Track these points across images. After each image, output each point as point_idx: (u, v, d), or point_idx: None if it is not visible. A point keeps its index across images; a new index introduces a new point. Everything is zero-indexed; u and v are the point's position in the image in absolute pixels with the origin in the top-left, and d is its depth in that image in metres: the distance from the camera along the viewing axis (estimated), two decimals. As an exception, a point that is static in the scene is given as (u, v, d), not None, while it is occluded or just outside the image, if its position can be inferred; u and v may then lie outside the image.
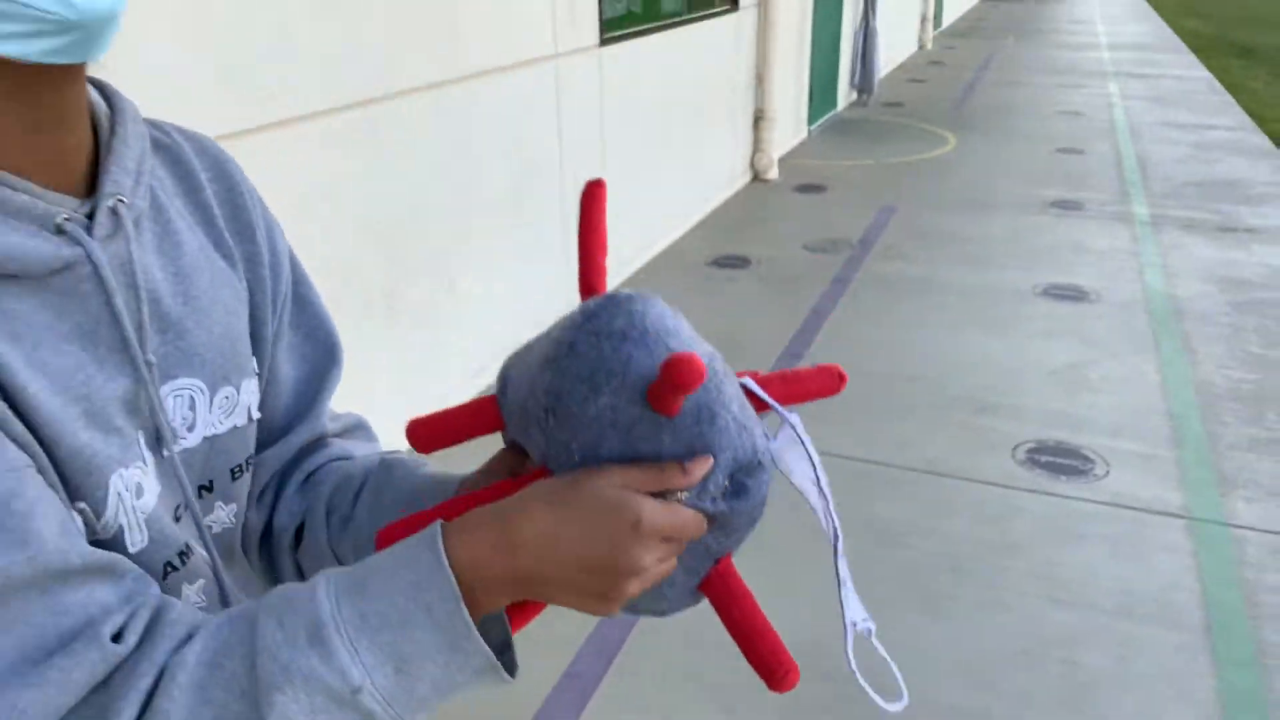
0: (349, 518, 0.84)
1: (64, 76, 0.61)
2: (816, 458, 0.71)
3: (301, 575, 0.90)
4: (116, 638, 0.58)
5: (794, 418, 0.71)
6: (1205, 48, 14.77)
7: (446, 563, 0.60)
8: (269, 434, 0.85)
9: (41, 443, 0.61)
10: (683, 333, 0.66)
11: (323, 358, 0.88)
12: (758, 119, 6.74)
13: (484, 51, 3.57)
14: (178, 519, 0.73)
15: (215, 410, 0.75)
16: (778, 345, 4.23)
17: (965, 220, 5.92)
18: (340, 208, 2.89)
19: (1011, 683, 2.39)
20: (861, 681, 0.67)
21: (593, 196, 0.74)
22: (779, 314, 4.57)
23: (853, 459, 3.36)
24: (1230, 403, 3.72)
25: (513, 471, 0.75)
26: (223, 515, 0.79)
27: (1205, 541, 2.91)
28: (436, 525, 0.62)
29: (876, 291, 4.83)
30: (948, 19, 17.03)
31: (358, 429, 0.94)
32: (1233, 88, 10.69)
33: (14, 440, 0.58)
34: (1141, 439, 3.46)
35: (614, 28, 4.55)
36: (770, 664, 0.67)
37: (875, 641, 0.70)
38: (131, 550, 0.67)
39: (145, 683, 0.57)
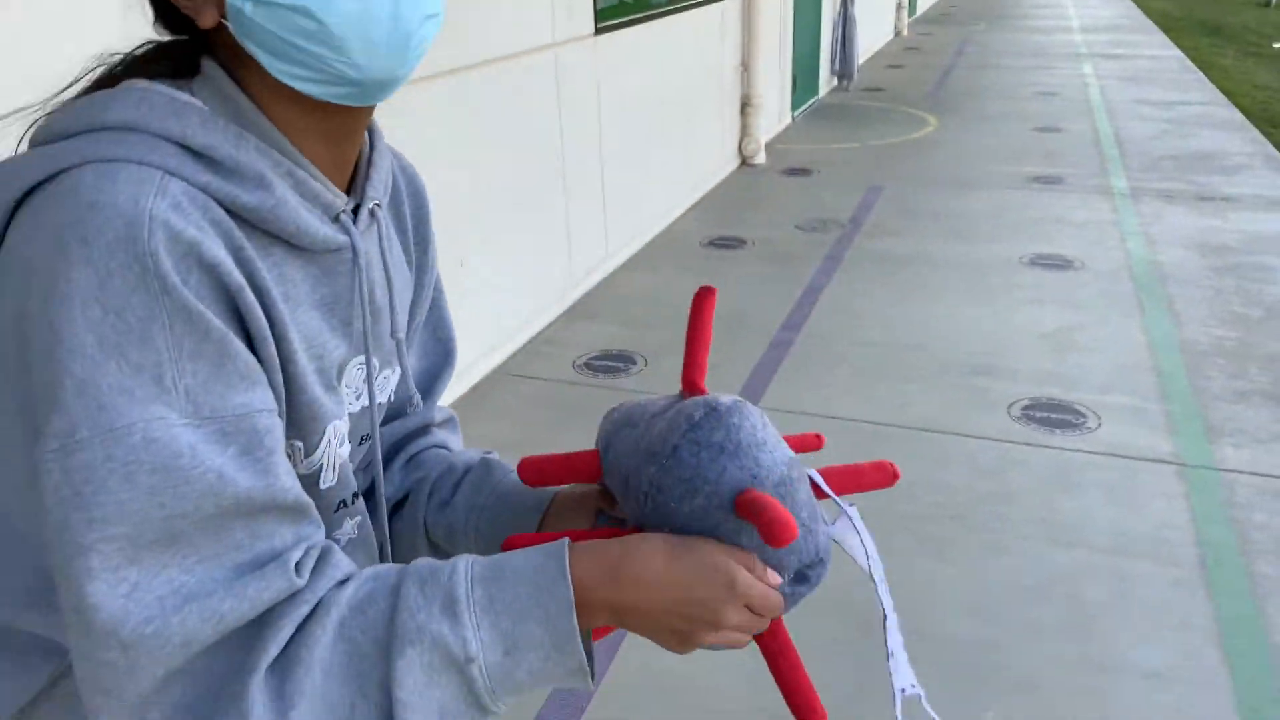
0: (447, 502, 0.98)
1: (354, 109, 0.76)
2: (872, 546, 0.84)
3: (393, 541, 1.02)
4: (296, 570, 0.68)
5: (853, 510, 0.84)
6: (1175, 28, 15.02)
7: (569, 577, 0.70)
8: (389, 414, 1.00)
9: (291, 390, 0.74)
10: (769, 443, 0.78)
11: (442, 355, 1.04)
12: (744, 105, 6.87)
13: (488, 41, 3.69)
14: (356, 469, 0.87)
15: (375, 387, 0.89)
16: (777, 319, 4.36)
17: (950, 197, 6.08)
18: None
19: (1018, 616, 2.53)
20: None
21: (702, 301, 0.85)
22: (777, 290, 4.70)
23: (856, 420, 3.50)
24: (1214, 358, 3.88)
25: (599, 509, 0.91)
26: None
27: (1196, 485, 3.06)
28: (565, 542, 0.73)
29: (869, 267, 4.98)
30: (921, 6, 17.23)
31: (450, 421, 1.09)
32: (1203, 65, 10.91)
33: (273, 387, 0.71)
34: (1131, 393, 3.62)
35: (607, 17, 4.67)
36: (806, 708, 0.80)
37: (926, 705, 0.82)
38: (322, 486, 0.81)
39: (304, 610, 0.68)
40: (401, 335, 0.84)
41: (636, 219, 5.29)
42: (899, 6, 14.08)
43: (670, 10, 5.47)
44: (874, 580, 0.83)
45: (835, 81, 9.84)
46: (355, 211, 0.81)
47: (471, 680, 0.69)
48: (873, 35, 12.03)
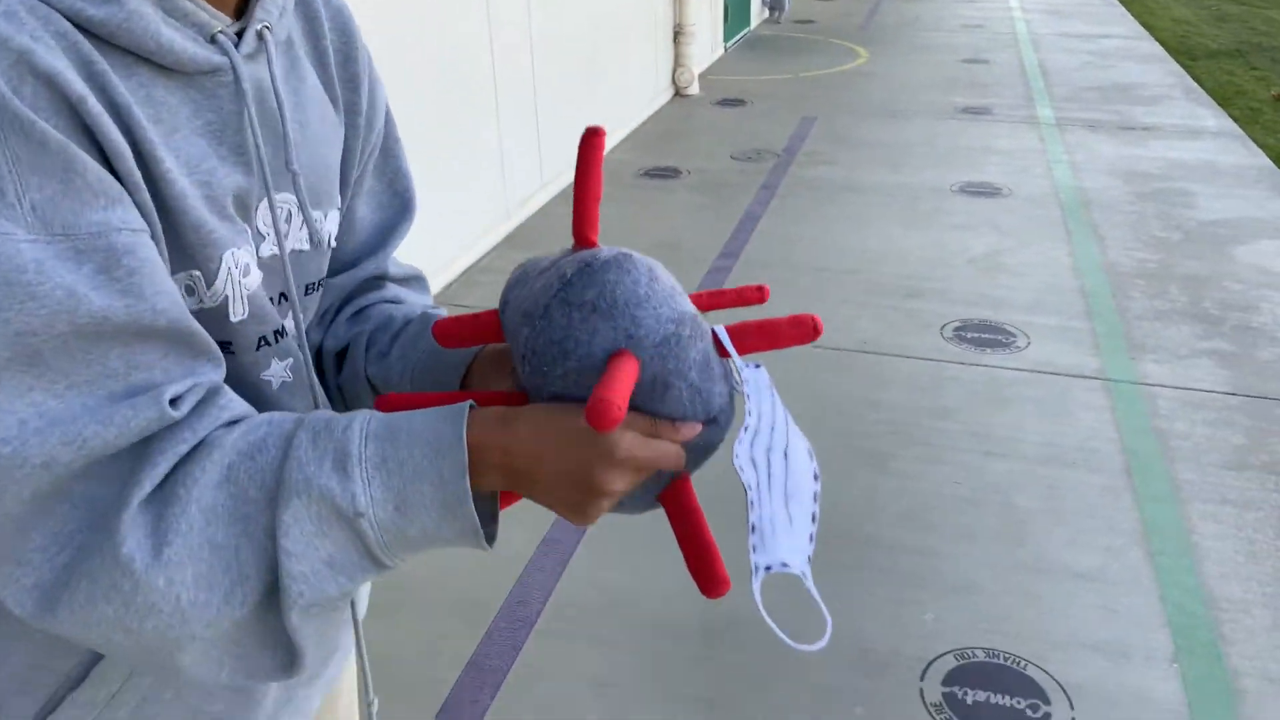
0: (385, 354, 0.95)
1: None
2: (776, 412, 0.78)
3: (343, 396, 1.00)
4: (174, 404, 0.66)
5: (759, 372, 0.78)
6: (1097, -36, 15.17)
7: (465, 441, 0.69)
8: (339, 265, 0.97)
9: (169, 214, 0.70)
10: (654, 299, 0.72)
11: (399, 209, 1.01)
12: (677, 34, 6.79)
13: (415, -42, 3.57)
14: (277, 305, 0.83)
15: (302, 230, 0.85)
16: (714, 248, 4.37)
17: (882, 127, 6.11)
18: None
19: (953, 524, 2.60)
20: (769, 621, 0.73)
21: (590, 145, 0.76)
22: (713, 219, 4.70)
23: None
24: (1136, 280, 3.99)
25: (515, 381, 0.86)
26: (291, 324, 0.89)
27: (1121, 398, 3.17)
28: (466, 405, 0.71)
29: (803, 195, 5.00)
30: (850, -59, 17.16)
31: (415, 280, 1.06)
32: (1125, 1, 11.07)
33: (140, 208, 0.67)
34: (1058, 314, 3.71)
35: (537, -62, 4.55)
36: (707, 573, 0.76)
37: (810, 586, 0.76)
38: (233, 320, 0.76)
39: (183, 448, 0.66)
40: (296, 168, 0.79)
41: (571, 149, 5.22)
42: (828, -61, 14.00)
43: (601, -66, 5.35)
44: (749, 446, 0.76)
45: (766, 13, 9.78)
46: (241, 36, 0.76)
47: (362, 534, 0.68)
48: (802, -32, 11.95)
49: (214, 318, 0.75)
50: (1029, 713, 2.05)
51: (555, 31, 4.83)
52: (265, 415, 0.72)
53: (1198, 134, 5.91)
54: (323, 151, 0.85)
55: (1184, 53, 8.36)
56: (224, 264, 0.74)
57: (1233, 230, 4.46)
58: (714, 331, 0.78)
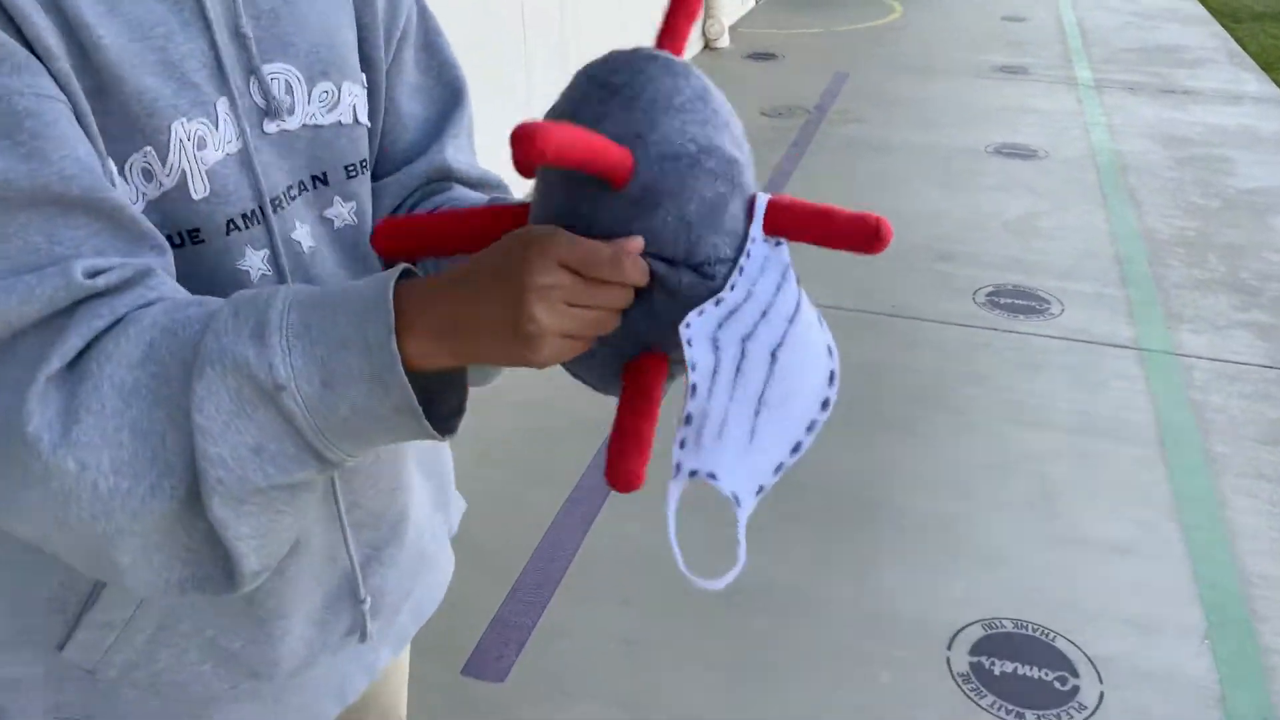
0: None
1: None
2: (787, 297, 0.65)
3: None
4: (93, 278, 0.62)
5: (780, 248, 0.65)
6: (1139, -80, 14.78)
7: (391, 299, 0.62)
8: (392, 164, 0.91)
9: (104, 83, 0.66)
10: (684, 115, 0.63)
11: (449, 98, 0.94)
12: (708, -15, 6.66)
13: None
14: (310, 188, 0.79)
15: (315, 102, 0.80)
16: (742, 204, 4.30)
17: (916, 84, 5.99)
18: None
19: (985, 492, 2.57)
20: (673, 541, 0.67)
21: None
22: (741, 175, 4.63)
23: (823, 305, 3.47)
24: (1175, 247, 3.91)
25: None
26: (342, 211, 0.84)
27: (1156, 369, 3.11)
28: (398, 268, 0.65)
29: (835, 153, 4.91)
30: (885, -109, 16.77)
31: (497, 186, 0.98)
32: (1167, -42, 10.78)
33: (56, 77, 0.63)
34: (1094, 281, 3.64)
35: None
36: (624, 463, 0.64)
37: (742, 523, 0.66)
38: (195, 198, 0.72)
39: (98, 323, 0.62)
40: (247, 30, 0.74)
41: (598, 100, 5.13)
42: (863, -111, 13.67)
43: (635, -121, 5.22)
44: (715, 324, 0.63)
45: (798, -35, 9.57)
46: None
47: (288, 413, 0.62)
48: (836, -82, 11.68)
49: (177, 201, 0.71)
50: (1057, 685, 2.03)
51: (586, -21, 4.73)
52: (199, 297, 0.67)
53: (1239, 99, 5.76)
54: (318, 17, 0.80)
55: (1227, 15, 8.14)
56: (173, 135, 0.70)
57: (1273, 199, 4.36)
58: (754, 196, 0.66)
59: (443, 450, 1.08)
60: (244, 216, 0.75)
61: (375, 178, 0.90)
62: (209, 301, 0.66)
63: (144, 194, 0.70)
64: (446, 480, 1.09)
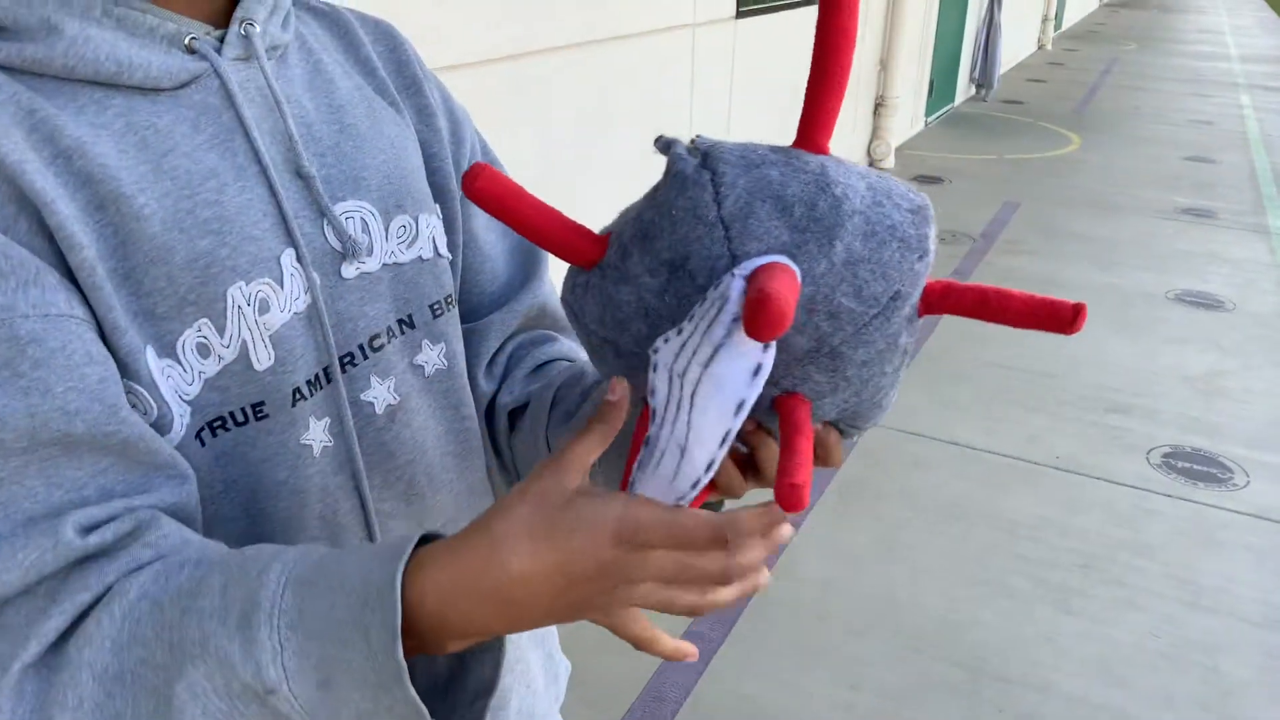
0: (572, 413, 0.81)
1: None
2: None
3: (515, 462, 0.88)
4: (89, 531, 0.55)
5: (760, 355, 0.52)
6: (1343, 64, 14.09)
7: (398, 587, 0.51)
8: (487, 301, 0.86)
9: (151, 256, 0.60)
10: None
11: None
12: (878, 105, 6.62)
13: (626, 15, 3.55)
14: (322, 348, 0.71)
15: (393, 238, 0.74)
16: (897, 331, 4.15)
17: (1092, 220, 5.73)
18: (485, 156, 2.90)
19: (1148, 682, 2.29)
20: None
21: (842, 10, 0.54)
22: (898, 300, 4.47)
23: (978, 450, 3.27)
24: (1381, 423, 3.53)
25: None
26: (431, 355, 0.78)
27: (1357, 561, 2.76)
28: (410, 538, 0.55)
29: (999, 285, 4.70)
30: (1068, 21, 16.55)
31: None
32: (1375, 106, 10.18)
33: (79, 270, 0.57)
34: (1285, 452, 3.31)
35: (750, 0, 4.50)
36: (788, 479, 0.52)
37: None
38: (258, 368, 0.65)
39: (84, 597, 0.54)
40: (311, 170, 0.68)
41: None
42: (1045, 19, 13.53)
43: (814, 0, 5.26)
44: (673, 354, 0.54)
45: (973, 90, 9.47)
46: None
47: (286, 717, 0.53)
48: (1015, 46, 11.57)
49: (238, 375, 0.64)
50: None
51: (755, 91, 4.74)
52: (192, 550, 0.58)
53: None
54: (387, 149, 0.75)
55: None
56: (230, 302, 0.63)
57: None
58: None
59: None
60: (309, 383, 0.68)
61: (468, 318, 0.84)
62: (207, 557, 0.57)
63: (201, 373, 0.63)
64: (553, 644, 0.99)
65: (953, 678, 2.25)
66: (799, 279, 0.51)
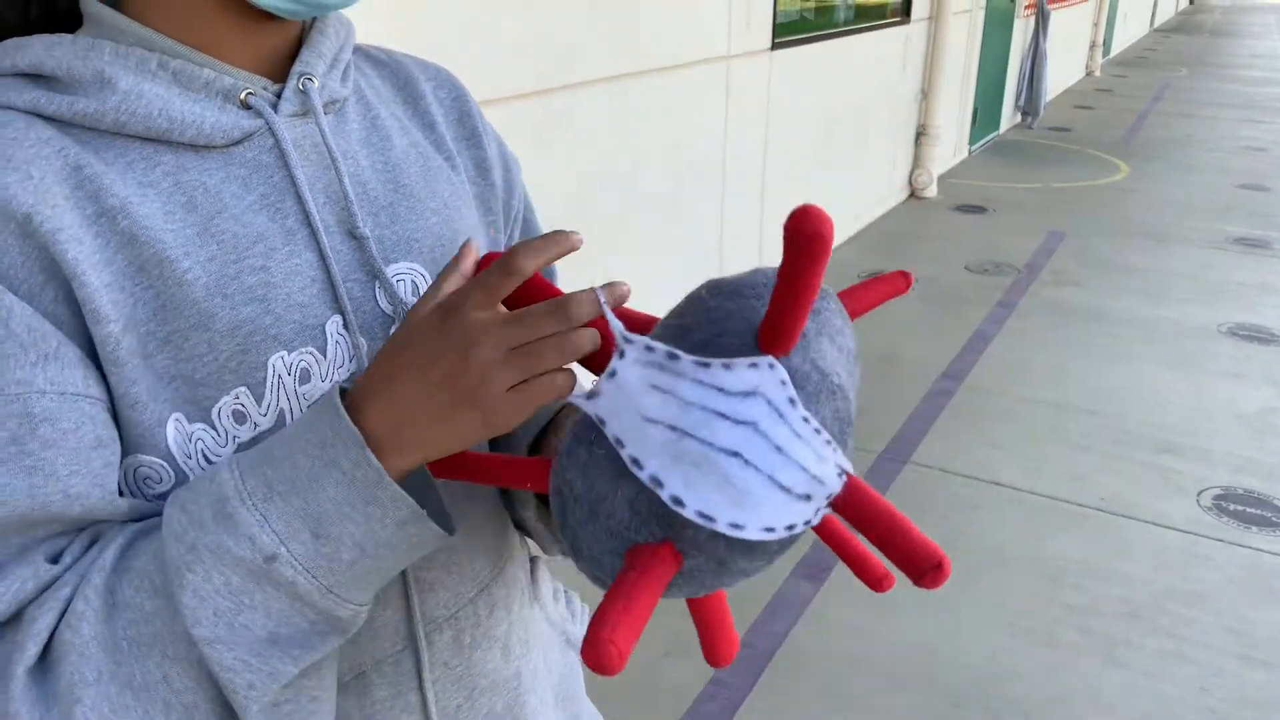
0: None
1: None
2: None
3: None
4: (56, 558, 0.57)
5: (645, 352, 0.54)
6: (1405, 88, 13.72)
7: (346, 415, 0.54)
8: None
9: (190, 325, 0.59)
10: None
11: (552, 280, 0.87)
12: (920, 134, 6.54)
13: (660, 49, 3.53)
14: None
15: None
16: (937, 367, 4.05)
17: (1141, 251, 5.59)
18: (513, 191, 2.88)
19: (1201, 744, 2.18)
20: None
21: (814, 239, 0.51)
22: (939, 334, 4.38)
23: (1021, 490, 3.16)
24: None
25: None
26: None
27: None
28: (336, 387, 0.57)
29: (1045, 318, 4.59)
30: (1116, 48, 16.32)
31: None
32: None
33: (102, 344, 0.57)
34: (1346, 495, 3.16)
35: (786, 32, 4.46)
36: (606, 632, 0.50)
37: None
38: None
39: (65, 591, 0.56)
40: (366, 231, 0.66)
41: (795, 244, 5.04)
42: (1093, 45, 13.35)
43: (852, 30, 5.21)
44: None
45: (1019, 117, 9.34)
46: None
47: (291, 584, 0.54)
48: (1063, 73, 11.42)
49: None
50: None
51: (791, 123, 4.70)
52: (137, 525, 0.60)
53: None
54: (441, 210, 0.73)
55: None
56: (271, 371, 0.62)
57: None
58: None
59: (574, 666, 0.94)
60: None
61: None
62: (151, 521, 0.59)
63: (235, 437, 0.63)
64: (580, 706, 0.95)
65: (934, 709, 2.15)
66: None
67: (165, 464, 0.61)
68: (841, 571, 2.73)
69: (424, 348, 0.54)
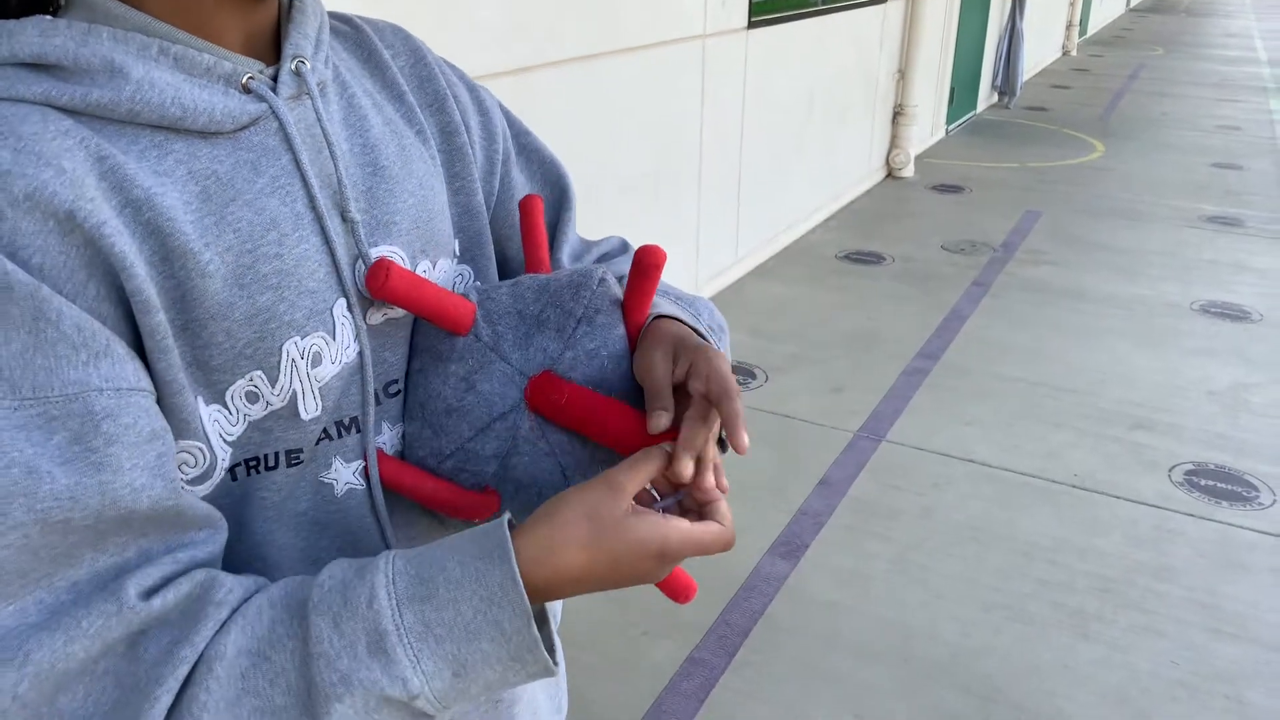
0: None
1: None
2: None
3: None
4: (150, 594, 0.56)
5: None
6: (1376, 67, 13.83)
7: (520, 581, 0.58)
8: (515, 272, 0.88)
9: (209, 314, 0.60)
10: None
11: (559, 197, 0.90)
12: (897, 114, 6.54)
13: (637, 27, 3.51)
14: (365, 390, 0.71)
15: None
16: (913, 345, 4.07)
17: (1116, 229, 5.63)
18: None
19: (1169, 713, 2.21)
20: None
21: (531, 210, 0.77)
22: (916, 314, 4.40)
23: (995, 467, 3.19)
24: None
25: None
26: None
27: (1389, 584, 2.66)
28: (505, 534, 0.59)
29: (1020, 296, 4.61)
30: (1093, 27, 16.36)
31: (620, 252, 0.93)
32: None
33: (150, 334, 0.57)
34: (1315, 469, 3.20)
35: (762, 10, 4.44)
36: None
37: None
38: (305, 418, 0.66)
39: (183, 669, 0.55)
40: (355, 215, 0.67)
41: (770, 224, 5.05)
42: (1069, 25, 13.38)
43: (829, 9, 5.20)
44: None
45: (995, 97, 9.36)
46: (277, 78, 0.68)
47: (418, 712, 0.58)
48: (1039, 53, 11.44)
49: (283, 420, 0.66)
50: None
51: (768, 102, 4.69)
52: (262, 598, 0.60)
53: None
54: (416, 192, 0.73)
55: None
56: (285, 356, 0.63)
57: None
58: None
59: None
60: (339, 424, 0.70)
61: None
62: (279, 603, 0.59)
63: (246, 416, 0.64)
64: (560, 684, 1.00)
65: (965, 707, 2.17)
66: None
67: (203, 446, 0.62)
68: (817, 549, 2.75)
69: (632, 573, 0.62)
